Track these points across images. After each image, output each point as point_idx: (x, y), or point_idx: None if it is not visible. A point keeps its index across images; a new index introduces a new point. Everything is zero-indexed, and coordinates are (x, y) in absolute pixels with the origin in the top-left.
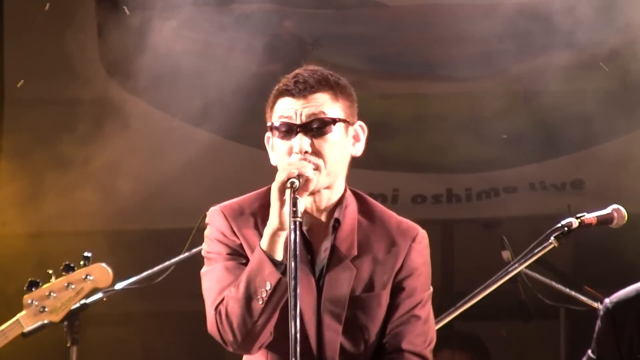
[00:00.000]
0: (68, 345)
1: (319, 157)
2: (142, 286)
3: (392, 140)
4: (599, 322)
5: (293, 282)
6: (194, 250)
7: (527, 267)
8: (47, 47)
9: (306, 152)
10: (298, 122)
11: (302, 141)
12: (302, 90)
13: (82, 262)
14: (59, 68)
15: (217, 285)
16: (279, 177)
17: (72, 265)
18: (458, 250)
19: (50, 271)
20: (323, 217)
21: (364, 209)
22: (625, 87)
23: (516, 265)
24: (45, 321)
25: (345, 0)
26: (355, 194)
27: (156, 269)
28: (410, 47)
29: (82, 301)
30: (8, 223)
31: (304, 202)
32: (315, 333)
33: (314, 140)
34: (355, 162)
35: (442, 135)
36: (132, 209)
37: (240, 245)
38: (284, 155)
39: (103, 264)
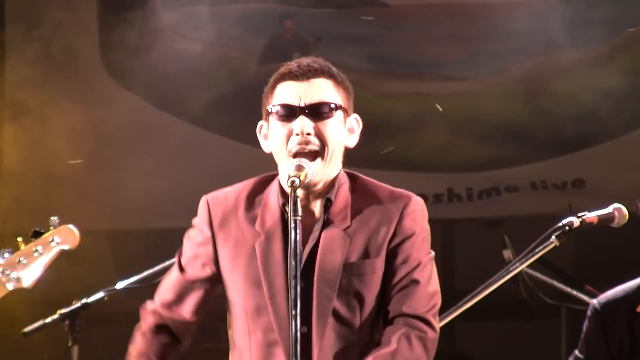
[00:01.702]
0: (69, 344)
1: (320, 140)
2: (143, 285)
3: (393, 140)
4: (587, 323)
5: (294, 281)
6: None
7: (528, 267)
8: (48, 47)
9: (308, 133)
10: (302, 104)
11: (303, 122)
12: (306, 72)
13: (50, 228)
14: (61, 68)
15: (161, 288)
16: None
17: (40, 230)
18: (459, 249)
19: (20, 239)
20: (316, 202)
21: (357, 187)
22: (627, 86)
23: (517, 264)
24: (12, 288)
25: (346, 0)
26: (348, 174)
27: (157, 268)
28: (410, 46)
29: (84, 301)
30: (9, 222)
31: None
32: (305, 299)
33: (316, 123)
34: (355, 162)
35: (443, 134)
36: (135, 208)
37: (209, 239)
38: (282, 139)
39: (70, 225)
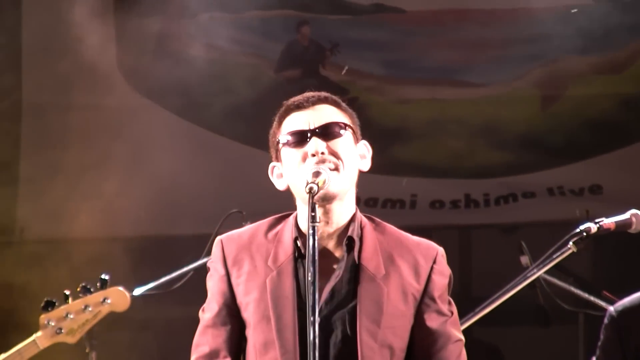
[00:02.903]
0: (87, 350)
1: (336, 157)
2: (160, 292)
3: (410, 146)
4: (603, 330)
5: (312, 287)
6: None
7: (545, 273)
8: (65, 53)
9: (322, 152)
10: (312, 127)
11: (317, 143)
12: (310, 102)
13: (98, 284)
14: (78, 74)
15: (195, 342)
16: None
17: (89, 287)
18: (476, 255)
19: (68, 292)
20: (333, 240)
21: (380, 229)
22: None
23: (535, 270)
24: (56, 341)
25: (362, 6)
26: (365, 215)
27: (174, 274)
28: (427, 52)
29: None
30: (26, 229)
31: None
32: (323, 337)
33: (328, 143)
34: (371, 169)
35: (460, 140)
36: (150, 214)
37: (223, 277)
38: (297, 164)
39: (120, 288)
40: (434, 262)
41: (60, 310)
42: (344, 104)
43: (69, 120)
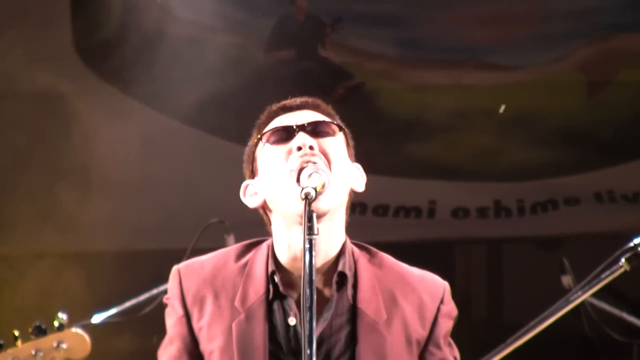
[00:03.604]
0: None
1: (324, 156)
2: (125, 319)
3: (428, 142)
4: None
5: (308, 313)
6: None
7: (592, 296)
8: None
9: (310, 147)
10: (298, 123)
11: (304, 137)
12: (299, 104)
13: (55, 323)
14: (23, 55)
15: None
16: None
17: (43, 327)
18: (508, 274)
19: (17, 332)
20: (319, 275)
21: (377, 262)
22: None
23: (579, 293)
24: None
25: None
26: (356, 244)
27: (142, 298)
28: (448, 28)
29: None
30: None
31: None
32: None
33: (318, 139)
34: (383, 169)
35: (489, 135)
36: (109, 225)
37: (181, 318)
38: (279, 162)
39: (79, 330)
40: (442, 302)
41: (6, 354)
42: (339, 121)
43: (12, 110)
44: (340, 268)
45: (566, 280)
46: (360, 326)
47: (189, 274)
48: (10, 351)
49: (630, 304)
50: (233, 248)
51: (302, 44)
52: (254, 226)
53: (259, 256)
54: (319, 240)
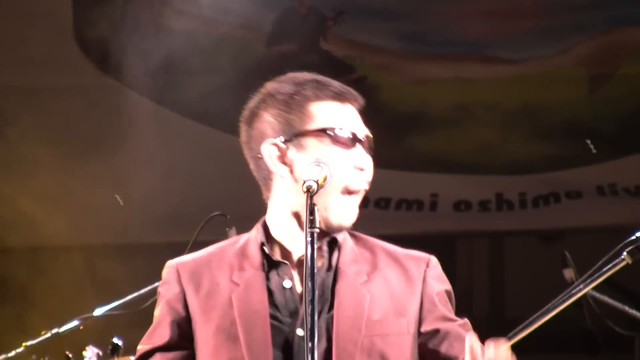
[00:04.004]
0: None
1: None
2: (126, 312)
3: (431, 135)
4: None
5: (310, 306)
6: None
7: (594, 289)
8: (12, 23)
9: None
10: (362, 136)
11: (368, 158)
12: (351, 97)
13: (109, 348)
14: (27, 49)
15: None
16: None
17: (99, 353)
18: (510, 268)
19: (70, 355)
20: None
21: (360, 241)
22: None
23: (581, 286)
24: None
25: None
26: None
27: (143, 290)
28: (451, 22)
29: (54, 330)
30: (5, 237)
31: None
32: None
33: (369, 156)
34: (384, 162)
35: (491, 128)
36: (112, 218)
37: (177, 294)
38: (345, 167)
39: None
40: (427, 266)
41: None
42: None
43: (15, 105)
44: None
45: (568, 273)
46: (340, 283)
47: (184, 264)
48: None
49: (633, 297)
50: (227, 240)
51: (304, 37)
52: (256, 219)
53: (251, 237)
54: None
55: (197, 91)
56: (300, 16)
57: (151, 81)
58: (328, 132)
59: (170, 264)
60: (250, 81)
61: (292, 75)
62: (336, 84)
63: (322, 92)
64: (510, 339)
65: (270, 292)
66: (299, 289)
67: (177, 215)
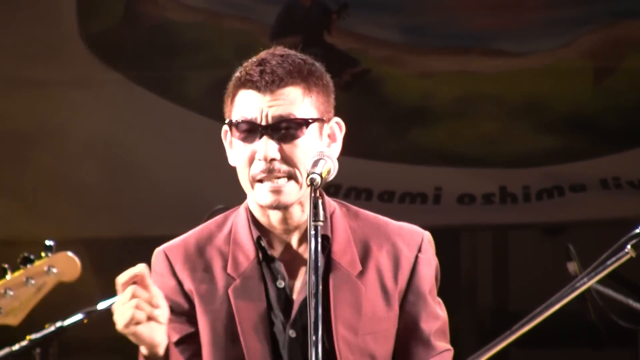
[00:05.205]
0: None
1: (289, 164)
2: None
3: (434, 129)
4: None
5: (314, 300)
6: None
7: (598, 282)
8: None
9: (272, 159)
10: (263, 122)
11: (267, 146)
12: (268, 83)
13: (42, 253)
14: (29, 42)
15: None
16: (118, 321)
17: (31, 256)
18: (514, 261)
19: (6, 265)
20: (296, 237)
21: (352, 214)
22: None
23: (585, 279)
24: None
25: None
26: (333, 200)
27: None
28: (454, 14)
29: (58, 324)
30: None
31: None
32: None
33: (282, 145)
34: (386, 155)
35: (495, 121)
36: (113, 211)
37: (174, 287)
38: (245, 161)
39: (69, 253)
40: (419, 250)
41: None
42: (315, 75)
43: (18, 99)
44: (322, 232)
45: (572, 266)
46: (335, 277)
47: (174, 251)
48: (1, 283)
49: (636, 290)
50: (211, 221)
51: (308, 30)
52: None
53: (240, 221)
54: (292, 216)
55: (200, 85)
56: (304, 9)
57: (155, 74)
58: (229, 123)
59: (159, 251)
60: None
61: (253, 58)
62: (256, 71)
63: (244, 80)
64: (514, 331)
65: (266, 290)
66: (288, 288)
67: (181, 209)
